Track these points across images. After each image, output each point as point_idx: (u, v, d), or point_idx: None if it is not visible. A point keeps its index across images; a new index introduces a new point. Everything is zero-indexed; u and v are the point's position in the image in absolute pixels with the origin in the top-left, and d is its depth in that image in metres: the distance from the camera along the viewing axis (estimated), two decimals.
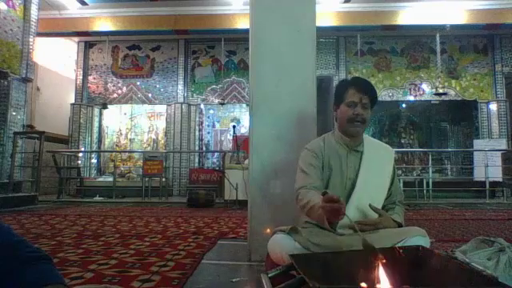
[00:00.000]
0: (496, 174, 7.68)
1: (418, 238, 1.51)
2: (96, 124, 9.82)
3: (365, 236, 1.57)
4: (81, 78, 9.63)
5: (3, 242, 1.01)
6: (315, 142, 1.87)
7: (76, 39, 9.61)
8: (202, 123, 9.97)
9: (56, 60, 10.01)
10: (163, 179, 7.81)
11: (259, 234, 2.12)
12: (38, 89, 9.13)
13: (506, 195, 7.86)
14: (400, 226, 1.66)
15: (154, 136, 10.04)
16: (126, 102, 9.69)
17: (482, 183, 7.60)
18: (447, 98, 9.16)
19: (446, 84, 9.08)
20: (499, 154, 7.87)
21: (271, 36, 2.34)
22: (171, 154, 8.96)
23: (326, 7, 7.93)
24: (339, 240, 1.60)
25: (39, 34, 7.57)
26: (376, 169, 1.75)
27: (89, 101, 9.62)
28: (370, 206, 1.62)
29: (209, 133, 10.18)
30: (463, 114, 9.82)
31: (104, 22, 8.59)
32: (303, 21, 2.35)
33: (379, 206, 1.71)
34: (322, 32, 8.36)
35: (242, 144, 6.45)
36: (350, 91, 1.71)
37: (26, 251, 1.03)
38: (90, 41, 9.66)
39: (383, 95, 9.16)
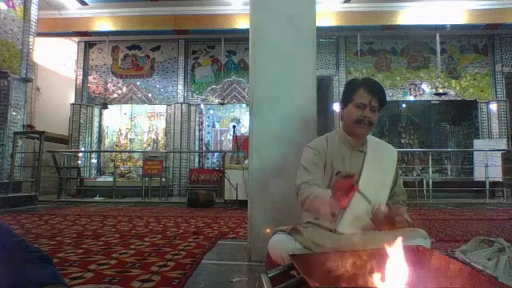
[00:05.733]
0: (496, 173, 7.67)
1: (419, 240, 1.50)
2: (96, 124, 9.82)
3: (363, 235, 1.58)
4: (81, 77, 9.62)
5: (3, 242, 1.01)
6: (318, 140, 1.85)
7: (76, 39, 9.61)
8: (202, 123, 9.97)
9: (56, 60, 10.01)
10: (163, 179, 7.81)
11: (259, 234, 2.12)
12: (37, 89, 9.13)
13: (506, 195, 7.86)
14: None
15: (153, 136, 10.04)
16: (126, 102, 9.68)
17: (482, 183, 7.59)
18: (447, 98, 9.16)
19: (446, 84, 9.08)
20: (499, 154, 7.87)
21: (271, 36, 2.33)
22: (171, 154, 8.95)
23: (326, 7, 7.93)
24: (340, 240, 1.60)
25: (39, 34, 7.57)
26: (378, 169, 1.74)
27: (89, 101, 9.61)
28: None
29: (209, 133, 10.18)
30: (463, 114, 9.82)
31: (104, 21, 8.59)
32: (303, 21, 2.34)
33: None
34: (322, 32, 8.35)
35: (241, 144, 6.45)
36: (360, 91, 1.68)
37: (25, 251, 1.03)
38: (90, 41, 9.66)
39: None
